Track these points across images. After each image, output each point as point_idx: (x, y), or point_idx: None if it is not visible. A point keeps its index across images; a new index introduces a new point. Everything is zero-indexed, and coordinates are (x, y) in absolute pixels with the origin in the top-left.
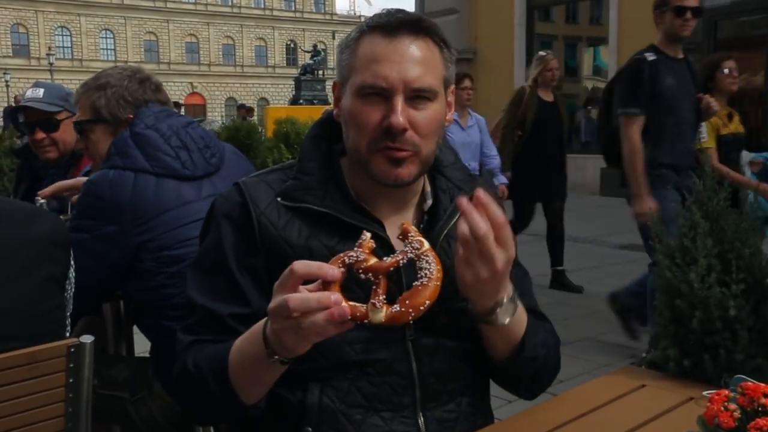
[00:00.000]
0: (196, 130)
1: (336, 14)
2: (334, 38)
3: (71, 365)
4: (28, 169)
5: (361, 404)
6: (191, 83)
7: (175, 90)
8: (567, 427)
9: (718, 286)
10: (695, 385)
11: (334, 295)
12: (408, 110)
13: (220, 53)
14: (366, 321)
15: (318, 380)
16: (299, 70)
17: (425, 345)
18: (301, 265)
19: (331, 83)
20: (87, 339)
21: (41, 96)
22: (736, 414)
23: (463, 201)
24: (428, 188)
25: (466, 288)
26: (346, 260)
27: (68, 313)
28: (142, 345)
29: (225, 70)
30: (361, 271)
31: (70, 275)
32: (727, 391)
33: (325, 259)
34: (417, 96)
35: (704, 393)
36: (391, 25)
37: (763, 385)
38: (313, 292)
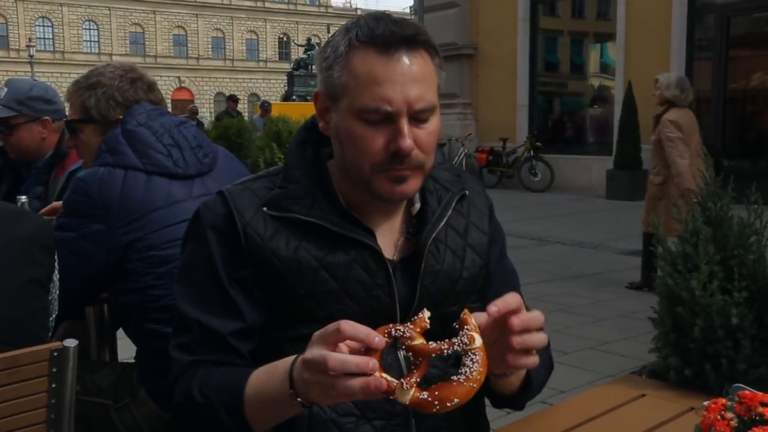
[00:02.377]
0: (189, 129)
1: (331, 7)
2: (328, 32)
3: (54, 370)
4: (9, 168)
5: (352, 413)
6: (179, 77)
7: (162, 85)
8: None
9: (721, 294)
10: (696, 395)
11: (372, 362)
12: (413, 130)
13: (209, 46)
14: (391, 396)
15: None
16: (292, 64)
17: None
18: (349, 327)
19: None
20: (71, 343)
21: (1, 97)
22: (733, 423)
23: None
24: None
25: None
26: (393, 332)
27: (53, 317)
28: (126, 350)
29: (214, 64)
30: (404, 347)
31: (54, 278)
32: (724, 400)
33: (314, 270)
34: (419, 114)
35: (705, 403)
36: (386, 39)
37: (760, 394)
38: (352, 354)
